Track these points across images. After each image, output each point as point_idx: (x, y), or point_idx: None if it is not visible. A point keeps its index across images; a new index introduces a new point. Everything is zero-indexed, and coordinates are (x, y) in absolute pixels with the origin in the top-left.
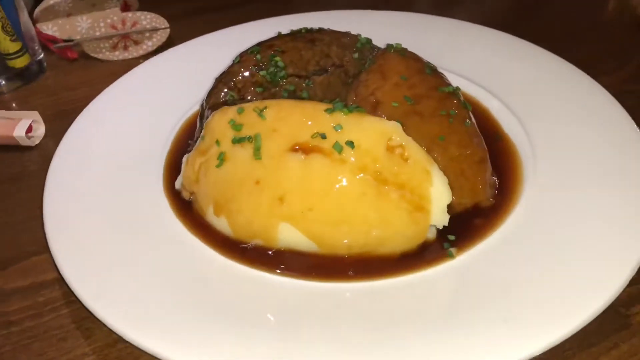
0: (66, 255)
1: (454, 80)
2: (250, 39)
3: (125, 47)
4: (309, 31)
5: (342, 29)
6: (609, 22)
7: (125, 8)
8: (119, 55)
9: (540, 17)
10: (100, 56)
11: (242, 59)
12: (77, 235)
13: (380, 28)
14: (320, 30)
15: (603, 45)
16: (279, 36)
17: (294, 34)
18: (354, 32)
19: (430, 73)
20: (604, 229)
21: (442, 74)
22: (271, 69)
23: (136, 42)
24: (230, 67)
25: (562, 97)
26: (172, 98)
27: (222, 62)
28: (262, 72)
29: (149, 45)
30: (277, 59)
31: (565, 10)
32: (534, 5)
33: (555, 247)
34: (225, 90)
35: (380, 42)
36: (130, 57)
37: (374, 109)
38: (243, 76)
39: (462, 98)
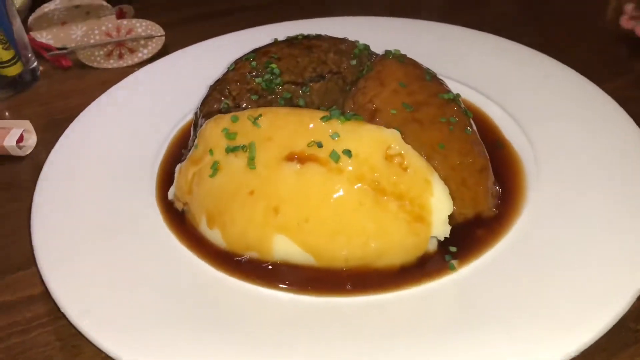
0: (53, 269)
1: (454, 87)
2: (246, 46)
3: (120, 55)
4: (306, 37)
5: (340, 36)
6: (611, 28)
7: (121, 15)
8: (113, 63)
9: (541, 23)
10: (94, 64)
11: (237, 66)
12: (65, 248)
13: (378, 35)
14: (317, 36)
15: (606, 52)
16: (275, 43)
17: (290, 41)
18: (351, 38)
19: (429, 80)
20: (612, 239)
21: (442, 80)
22: (267, 76)
23: (131, 50)
24: (225, 74)
25: (564, 103)
26: (166, 106)
27: (217, 69)
28: (257, 80)
29: (144, 53)
30: (273, 65)
31: (566, 16)
32: (535, 11)
33: (560, 258)
34: (220, 98)
35: (378, 48)
36: (125, 65)
37: (372, 117)
38: (238, 84)
39: (462, 105)
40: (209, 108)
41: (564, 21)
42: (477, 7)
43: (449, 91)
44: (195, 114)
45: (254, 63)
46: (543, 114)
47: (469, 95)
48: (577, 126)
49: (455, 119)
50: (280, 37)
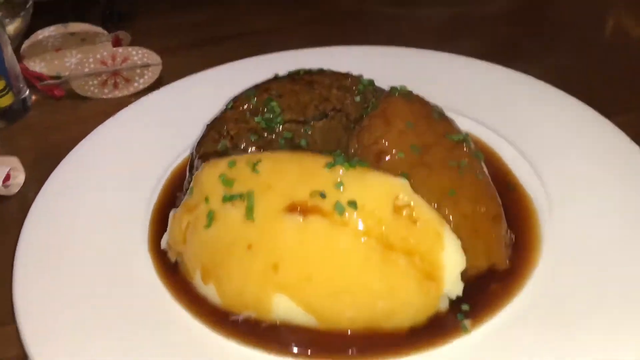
0: (34, 328)
1: (463, 123)
2: (246, 76)
3: (115, 85)
4: (308, 72)
5: (342, 66)
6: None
7: (117, 42)
8: (108, 93)
9: (551, 54)
10: (88, 94)
11: (235, 104)
12: (48, 304)
13: (381, 65)
14: (320, 71)
15: (618, 83)
16: (276, 78)
17: (292, 76)
18: (354, 69)
19: (437, 118)
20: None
21: (451, 119)
22: (267, 115)
23: (127, 80)
24: (223, 113)
25: (581, 143)
26: (161, 144)
27: (216, 102)
28: (257, 118)
29: (140, 82)
30: (274, 103)
31: (575, 47)
32: (544, 41)
33: (583, 315)
34: (218, 138)
35: (380, 81)
36: (120, 95)
37: (378, 159)
38: (236, 123)
39: (472, 146)
40: (205, 149)
41: (574, 52)
42: (483, 35)
43: (458, 131)
44: (192, 154)
45: (254, 100)
46: (557, 154)
47: (478, 132)
48: (593, 168)
49: (465, 162)
50: (281, 67)
